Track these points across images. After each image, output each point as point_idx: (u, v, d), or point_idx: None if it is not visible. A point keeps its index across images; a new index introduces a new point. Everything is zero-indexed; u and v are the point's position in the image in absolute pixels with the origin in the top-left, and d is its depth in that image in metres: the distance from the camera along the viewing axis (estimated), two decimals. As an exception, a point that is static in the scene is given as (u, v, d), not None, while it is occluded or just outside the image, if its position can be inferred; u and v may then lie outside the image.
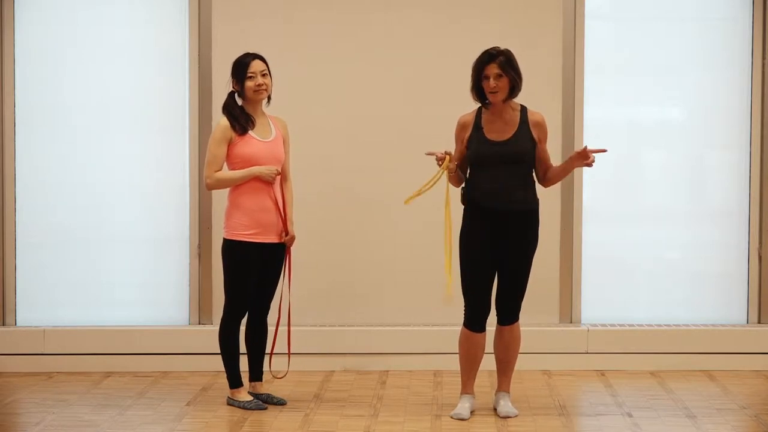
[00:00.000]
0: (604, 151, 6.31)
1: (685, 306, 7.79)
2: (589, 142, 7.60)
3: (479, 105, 6.35)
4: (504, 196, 6.24)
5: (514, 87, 6.25)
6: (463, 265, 6.34)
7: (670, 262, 7.84)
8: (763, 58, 7.70)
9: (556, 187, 7.52)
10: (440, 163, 6.25)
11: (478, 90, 6.28)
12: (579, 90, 7.67)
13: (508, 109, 6.31)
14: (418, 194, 6.30)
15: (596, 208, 7.78)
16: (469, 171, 6.39)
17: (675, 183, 7.83)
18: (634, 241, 7.82)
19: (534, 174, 6.39)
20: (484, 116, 6.33)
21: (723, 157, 7.84)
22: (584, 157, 6.24)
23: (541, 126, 6.35)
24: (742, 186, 7.77)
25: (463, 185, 6.38)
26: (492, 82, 6.21)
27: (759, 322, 7.75)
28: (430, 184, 6.29)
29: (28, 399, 6.84)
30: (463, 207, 6.36)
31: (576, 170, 7.61)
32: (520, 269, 6.32)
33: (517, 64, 6.25)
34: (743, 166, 7.77)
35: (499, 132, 6.30)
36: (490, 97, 6.24)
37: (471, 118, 6.36)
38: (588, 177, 7.68)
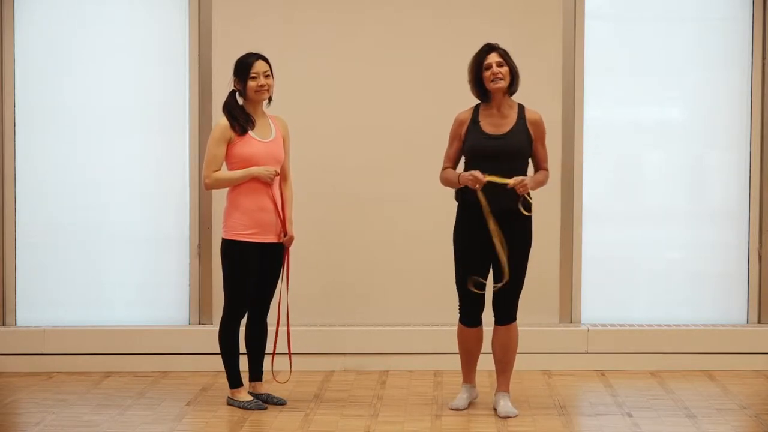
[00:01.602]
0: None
1: (685, 306, 7.79)
2: (589, 142, 7.65)
3: (478, 102, 6.36)
4: (497, 193, 6.21)
5: (514, 79, 6.27)
6: (456, 261, 6.36)
7: (670, 262, 7.83)
8: (763, 58, 7.70)
9: (556, 187, 7.54)
10: (479, 185, 6.18)
11: (479, 84, 6.29)
12: (579, 90, 7.67)
13: (506, 105, 6.34)
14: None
15: (596, 208, 7.77)
16: (464, 166, 6.39)
17: (675, 183, 7.82)
18: (634, 241, 7.81)
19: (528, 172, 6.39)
20: (482, 111, 6.35)
21: (723, 157, 7.83)
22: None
23: (538, 125, 6.35)
24: (742, 186, 7.76)
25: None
26: (495, 68, 6.23)
27: (759, 322, 7.75)
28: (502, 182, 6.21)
29: (28, 399, 6.83)
30: (456, 203, 6.38)
31: (576, 170, 7.63)
32: (514, 268, 6.30)
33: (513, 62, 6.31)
34: (743, 166, 7.76)
35: (497, 126, 6.31)
36: (493, 86, 6.25)
37: (468, 115, 6.38)
38: (588, 177, 7.68)
